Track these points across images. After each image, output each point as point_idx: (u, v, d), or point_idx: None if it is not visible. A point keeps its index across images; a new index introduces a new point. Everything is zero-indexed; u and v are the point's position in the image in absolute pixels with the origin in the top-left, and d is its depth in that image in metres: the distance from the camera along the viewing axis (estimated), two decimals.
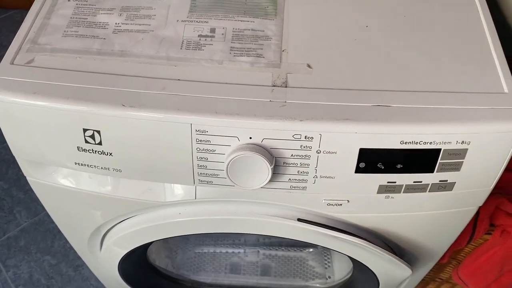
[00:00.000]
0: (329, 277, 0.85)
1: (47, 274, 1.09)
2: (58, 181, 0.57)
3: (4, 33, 1.55)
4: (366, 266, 0.62)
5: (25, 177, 0.58)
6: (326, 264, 0.87)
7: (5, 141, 0.51)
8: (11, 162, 1.25)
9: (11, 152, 0.53)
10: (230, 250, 0.89)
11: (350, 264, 0.77)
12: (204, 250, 0.90)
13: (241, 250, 0.89)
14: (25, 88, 0.46)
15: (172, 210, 0.57)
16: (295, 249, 0.89)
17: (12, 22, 1.59)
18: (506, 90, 0.48)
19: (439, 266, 0.85)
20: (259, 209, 0.55)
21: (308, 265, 0.88)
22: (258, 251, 0.89)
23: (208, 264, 0.89)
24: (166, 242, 0.85)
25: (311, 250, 0.88)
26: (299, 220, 0.55)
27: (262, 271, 0.88)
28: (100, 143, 0.48)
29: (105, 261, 0.69)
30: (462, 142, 0.46)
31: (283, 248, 0.89)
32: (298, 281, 0.87)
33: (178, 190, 0.55)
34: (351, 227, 0.57)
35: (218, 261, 0.89)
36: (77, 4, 0.55)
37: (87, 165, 0.51)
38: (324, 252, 0.88)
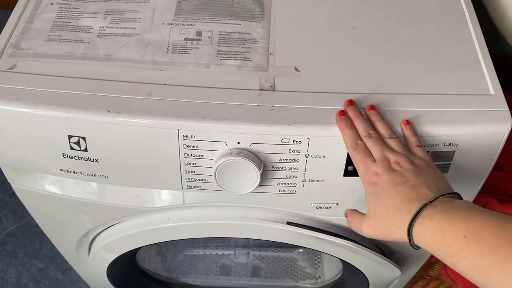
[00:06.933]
0: (320, 277, 0.86)
1: (35, 278, 1.08)
2: (43, 187, 0.56)
3: None
4: (356, 267, 0.63)
5: None
6: (316, 264, 0.87)
7: None
8: None
9: None
10: (220, 252, 0.89)
11: (340, 265, 0.77)
12: (194, 252, 0.89)
13: (231, 252, 0.89)
14: (8, 95, 0.46)
15: (161, 215, 0.56)
16: (285, 250, 0.89)
17: None
18: (492, 92, 0.48)
19: (428, 264, 0.85)
20: (249, 213, 0.55)
21: (299, 265, 0.88)
22: (248, 253, 0.89)
23: (198, 266, 0.89)
24: (155, 245, 0.84)
25: (301, 250, 0.88)
26: (289, 223, 0.55)
27: (252, 272, 0.88)
28: (85, 150, 0.47)
29: (93, 265, 0.69)
30: (449, 144, 0.46)
31: (273, 249, 0.89)
32: (289, 281, 0.87)
33: (166, 196, 0.54)
34: (341, 229, 0.57)
35: (208, 263, 0.89)
36: (60, 7, 0.54)
37: (73, 172, 0.50)
38: (314, 253, 0.88)
